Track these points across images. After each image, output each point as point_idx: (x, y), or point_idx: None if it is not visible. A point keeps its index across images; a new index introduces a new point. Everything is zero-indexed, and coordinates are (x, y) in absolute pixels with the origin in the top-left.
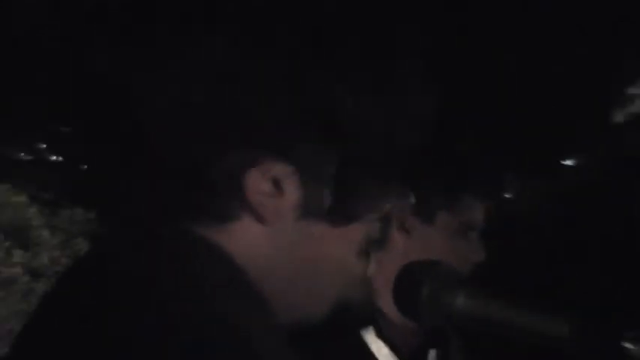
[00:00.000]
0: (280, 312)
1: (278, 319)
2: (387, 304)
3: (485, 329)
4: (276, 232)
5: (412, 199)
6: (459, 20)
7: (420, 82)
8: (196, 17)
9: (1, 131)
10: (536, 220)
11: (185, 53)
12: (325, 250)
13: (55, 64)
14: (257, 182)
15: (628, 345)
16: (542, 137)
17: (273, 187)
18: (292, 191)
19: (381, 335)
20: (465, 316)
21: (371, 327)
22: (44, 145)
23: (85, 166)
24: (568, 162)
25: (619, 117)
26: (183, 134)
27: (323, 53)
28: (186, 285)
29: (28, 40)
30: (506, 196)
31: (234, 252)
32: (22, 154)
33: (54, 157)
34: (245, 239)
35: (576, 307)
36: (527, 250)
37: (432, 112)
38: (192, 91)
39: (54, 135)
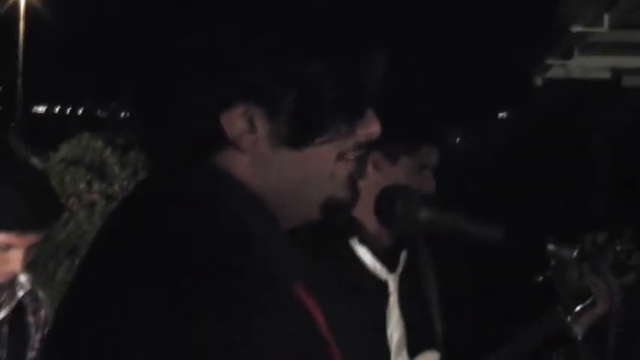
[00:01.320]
0: (281, 220)
1: (281, 226)
2: (366, 219)
3: (442, 233)
4: (258, 160)
5: (359, 128)
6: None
7: (369, 53)
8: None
9: (84, 94)
10: (477, 158)
11: (204, 39)
12: (299, 170)
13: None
14: (235, 121)
15: (550, 246)
16: (482, 97)
17: (248, 124)
18: (262, 126)
19: (363, 242)
20: (427, 223)
21: (355, 237)
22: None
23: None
24: (501, 115)
25: (538, 81)
26: (194, 90)
27: (288, 30)
28: (205, 200)
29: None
30: (456, 141)
31: (232, 172)
32: (100, 110)
33: (123, 114)
34: (237, 166)
35: (505, 218)
36: (469, 181)
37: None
38: (201, 62)
39: (124, 97)
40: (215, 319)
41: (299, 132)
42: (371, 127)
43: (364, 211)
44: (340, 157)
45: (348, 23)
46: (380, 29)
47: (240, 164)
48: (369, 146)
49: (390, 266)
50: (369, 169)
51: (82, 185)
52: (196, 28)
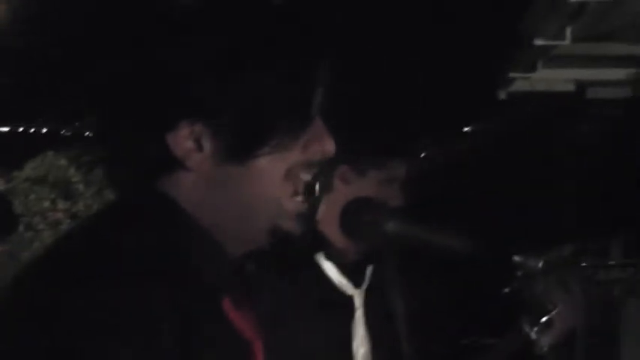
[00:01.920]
0: (227, 244)
1: (229, 251)
2: (333, 234)
3: (409, 245)
4: (203, 178)
5: (302, 140)
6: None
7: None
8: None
9: (48, 113)
10: (442, 171)
11: (151, 58)
12: (246, 186)
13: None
14: (181, 141)
15: (516, 257)
16: (446, 111)
17: (195, 144)
18: (207, 144)
19: (329, 257)
20: (394, 236)
21: (321, 252)
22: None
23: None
24: (467, 129)
25: (503, 95)
26: (142, 114)
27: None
28: (141, 224)
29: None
30: (422, 155)
31: (178, 196)
32: (64, 130)
33: (87, 133)
34: (184, 185)
35: (471, 231)
36: (437, 194)
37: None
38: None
39: (88, 115)
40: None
41: (241, 144)
42: (324, 145)
43: (331, 226)
44: (288, 173)
45: (288, 33)
46: (323, 40)
47: (186, 184)
48: (337, 160)
49: (356, 281)
50: (337, 182)
51: (47, 204)
52: (136, 46)
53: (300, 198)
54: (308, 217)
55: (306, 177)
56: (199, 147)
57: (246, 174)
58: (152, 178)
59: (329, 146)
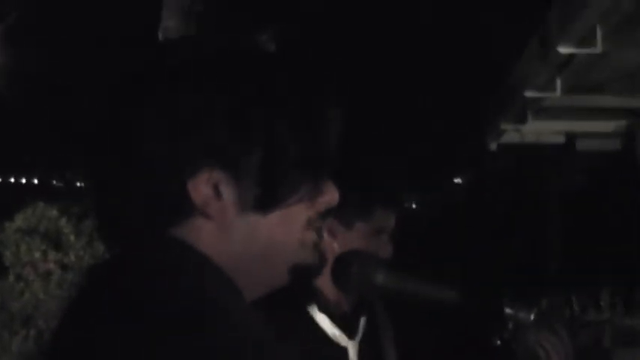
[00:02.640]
0: (247, 289)
1: (246, 296)
2: (325, 286)
3: (398, 297)
4: (224, 227)
5: (324, 188)
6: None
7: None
8: (172, 75)
9: (38, 166)
10: (433, 223)
11: (164, 106)
12: (267, 235)
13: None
14: (201, 188)
15: (507, 309)
16: (437, 162)
17: (213, 191)
18: (229, 192)
19: (322, 309)
20: (383, 287)
21: (314, 304)
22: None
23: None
24: (456, 180)
25: (493, 146)
26: (156, 159)
27: (255, 97)
28: (165, 276)
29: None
30: (412, 206)
31: (199, 245)
32: (54, 181)
33: (77, 184)
34: (203, 234)
35: (462, 282)
36: (426, 244)
37: (332, 134)
38: (164, 130)
39: (78, 167)
40: None
41: (266, 194)
42: (332, 195)
43: (322, 278)
44: (309, 223)
45: (309, 81)
46: (338, 87)
47: (205, 232)
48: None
49: (350, 333)
50: (325, 235)
51: (38, 254)
52: (156, 92)
53: (316, 241)
54: (320, 246)
55: (320, 223)
56: (218, 194)
57: (268, 222)
58: (167, 224)
59: (336, 195)
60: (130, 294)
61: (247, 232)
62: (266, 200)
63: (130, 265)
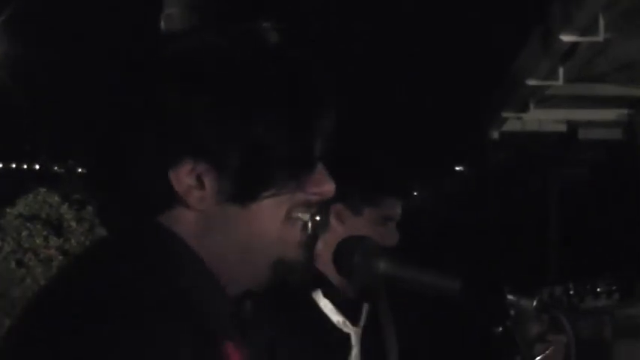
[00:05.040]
0: (226, 284)
1: (228, 292)
2: (330, 271)
3: (401, 285)
4: (203, 216)
5: (304, 184)
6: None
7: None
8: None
9: (43, 151)
10: (434, 211)
11: (154, 102)
12: (245, 226)
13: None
14: (183, 178)
15: (509, 296)
16: (441, 150)
17: (196, 181)
18: (210, 183)
19: (326, 295)
20: (385, 275)
21: (318, 290)
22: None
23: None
24: (458, 168)
25: (495, 134)
26: (145, 153)
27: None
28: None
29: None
30: (415, 193)
31: (180, 233)
32: (56, 167)
33: (79, 170)
34: (183, 222)
35: (463, 270)
36: (429, 231)
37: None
38: (152, 123)
39: (79, 154)
40: None
41: (244, 187)
42: (324, 186)
43: (327, 264)
44: (289, 215)
45: (293, 80)
46: (327, 86)
47: (186, 222)
48: (331, 198)
49: (353, 319)
50: (332, 221)
51: (39, 240)
52: (141, 87)
53: (299, 236)
54: (309, 246)
55: (305, 217)
56: (201, 184)
57: (247, 215)
58: (153, 214)
59: (329, 187)
60: (96, 276)
61: (225, 223)
62: (242, 193)
63: (108, 248)
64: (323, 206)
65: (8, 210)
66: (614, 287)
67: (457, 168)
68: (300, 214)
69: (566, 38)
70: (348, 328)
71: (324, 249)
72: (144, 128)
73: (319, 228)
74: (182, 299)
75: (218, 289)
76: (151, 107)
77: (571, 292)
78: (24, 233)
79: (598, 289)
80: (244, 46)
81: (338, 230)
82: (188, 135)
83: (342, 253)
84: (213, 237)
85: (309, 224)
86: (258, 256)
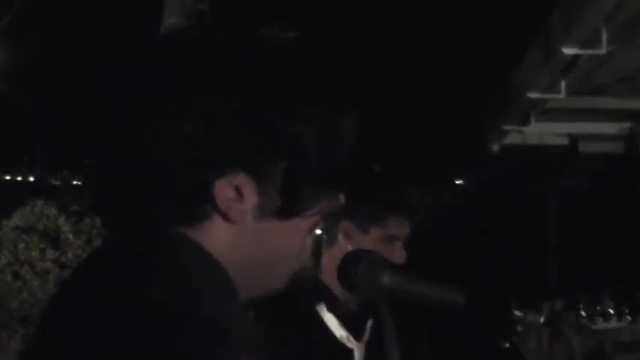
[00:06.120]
0: (242, 291)
1: (240, 297)
2: (335, 285)
3: (405, 299)
4: (240, 229)
5: (342, 201)
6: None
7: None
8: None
9: (40, 163)
10: (436, 224)
11: (191, 108)
12: (278, 241)
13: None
14: (224, 190)
15: (516, 312)
16: (439, 164)
17: (236, 193)
18: (250, 196)
19: (331, 309)
20: (389, 289)
21: (323, 303)
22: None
23: (97, 187)
24: (459, 181)
25: (495, 147)
26: (179, 161)
27: (275, 102)
28: (170, 272)
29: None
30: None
31: (208, 246)
32: (53, 179)
33: (75, 182)
34: (216, 235)
35: (468, 284)
36: (432, 244)
37: (349, 143)
38: (192, 132)
39: (76, 165)
40: None
41: (288, 204)
42: (339, 199)
43: (332, 278)
44: (312, 229)
45: (332, 96)
46: (355, 98)
47: (219, 236)
48: (339, 214)
49: (357, 334)
50: (340, 236)
51: (36, 253)
52: (182, 93)
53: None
54: (317, 258)
55: (319, 230)
56: (240, 197)
57: (282, 228)
58: (177, 224)
59: (341, 200)
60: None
61: (259, 237)
62: (285, 209)
63: (125, 255)
64: (331, 221)
65: (5, 222)
66: (624, 308)
67: (457, 182)
68: (319, 226)
69: (568, 51)
70: (351, 343)
71: (330, 262)
72: (188, 139)
73: (327, 242)
74: (219, 315)
75: (235, 301)
76: (194, 120)
77: (582, 314)
78: (20, 246)
79: (610, 310)
80: (277, 50)
81: (345, 246)
82: (231, 148)
83: (347, 265)
84: (244, 250)
85: (324, 237)
86: (281, 268)
